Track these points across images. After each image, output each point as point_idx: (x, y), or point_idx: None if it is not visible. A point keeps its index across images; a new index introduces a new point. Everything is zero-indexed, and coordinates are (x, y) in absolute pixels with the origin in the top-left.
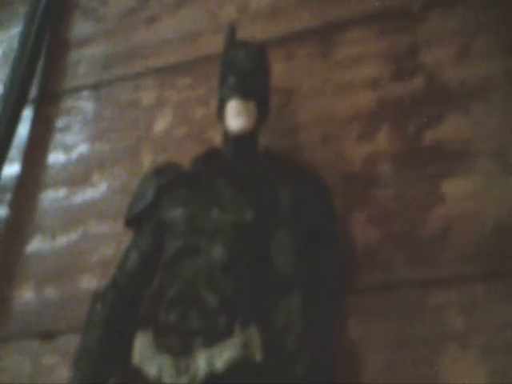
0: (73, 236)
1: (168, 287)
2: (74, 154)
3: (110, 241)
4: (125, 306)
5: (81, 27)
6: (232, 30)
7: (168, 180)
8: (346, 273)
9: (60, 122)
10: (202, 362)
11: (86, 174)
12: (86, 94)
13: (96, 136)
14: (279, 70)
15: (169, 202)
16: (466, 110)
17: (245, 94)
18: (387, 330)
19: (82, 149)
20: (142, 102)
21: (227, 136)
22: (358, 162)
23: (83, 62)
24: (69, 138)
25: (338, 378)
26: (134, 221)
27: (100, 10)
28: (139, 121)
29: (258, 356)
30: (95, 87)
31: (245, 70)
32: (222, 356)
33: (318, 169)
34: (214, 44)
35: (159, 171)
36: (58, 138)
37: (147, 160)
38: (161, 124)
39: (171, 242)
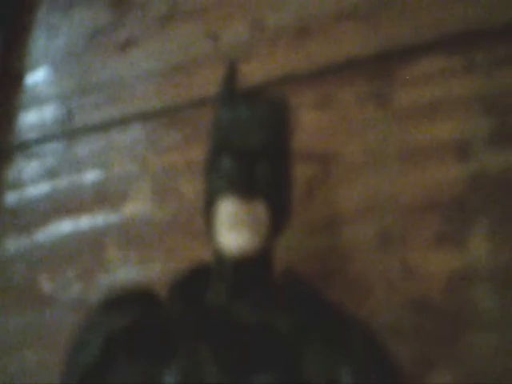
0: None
1: None
2: (11, 251)
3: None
4: None
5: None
6: (231, 71)
7: (123, 325)
8: None
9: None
10: None
11: (32, 278)
12: (34, 157)
13: (45, 221)
14: (310, 124)
15: (119, 370)
16: None
17: (249, 190)
18: None
19: (26, 242)
20: (110, 169)
21: (220, 256)
22: (439, 283)
23: (33, 109)
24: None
25: None
26: None
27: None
28: (105, 199)
29: None
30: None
31: (250, 147)
32: None
33: (372, 289)
34: (215, 79)
35: (113, 306)
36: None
37: (113, 259)
38: (134, 204)
39: None
